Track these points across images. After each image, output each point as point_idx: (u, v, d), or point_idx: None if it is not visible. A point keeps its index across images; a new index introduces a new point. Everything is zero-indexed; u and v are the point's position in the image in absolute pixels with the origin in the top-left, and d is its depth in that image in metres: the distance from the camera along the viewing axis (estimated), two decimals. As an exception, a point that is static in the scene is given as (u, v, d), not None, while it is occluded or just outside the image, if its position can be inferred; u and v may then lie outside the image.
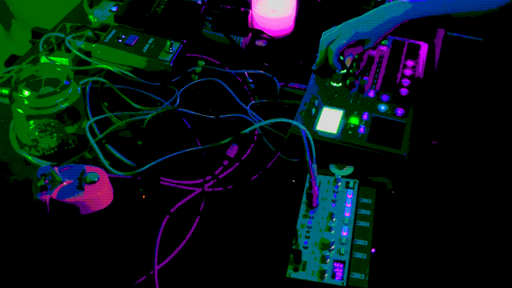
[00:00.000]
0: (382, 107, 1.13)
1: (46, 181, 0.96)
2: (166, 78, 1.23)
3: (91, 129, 1.12)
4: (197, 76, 1.25)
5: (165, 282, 0.90)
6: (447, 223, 0.99)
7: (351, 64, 1.20)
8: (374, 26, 1.13)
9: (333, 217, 0.97)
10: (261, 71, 1.26)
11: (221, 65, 1.29)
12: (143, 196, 1.02)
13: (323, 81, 1.19)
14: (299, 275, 0.90)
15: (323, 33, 1.20)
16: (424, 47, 1.29)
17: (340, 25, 1.17)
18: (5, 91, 1.17)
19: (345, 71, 1.19)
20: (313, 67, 1.21)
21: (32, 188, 0.97)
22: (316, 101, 1.14)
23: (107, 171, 1.03)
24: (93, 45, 1.24)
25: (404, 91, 1.17)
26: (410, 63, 1.24)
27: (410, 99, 1.16)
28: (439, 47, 1.34)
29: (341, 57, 1.17)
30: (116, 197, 1.00)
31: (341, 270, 0.90)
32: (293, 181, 1.04)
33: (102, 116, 1.15)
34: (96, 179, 0.97)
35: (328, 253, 0.92)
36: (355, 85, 1.18)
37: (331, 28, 1.19)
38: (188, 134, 1.14)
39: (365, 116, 1.11)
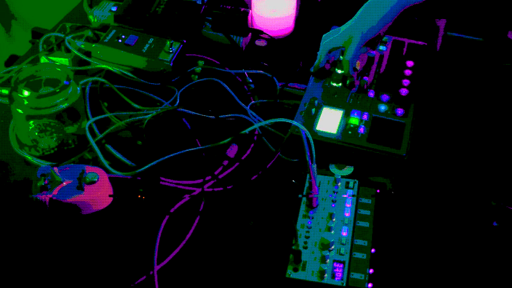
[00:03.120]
0: (382, 107, 1.13)
1: (46, 181, 0.96)
2: (166, 78, 1.23)
3: (91, 129, 1.12)
4: (197, 76, 1.25)
5: (165, 282, 0.90)
6: (447, 223, 0.99)
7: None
8: (378, 20, 1.12)
9: (333, 217, 0.97)
10: (261, 71, 1.26)
11: (221, 65, 1.29)
12: (143, 197, 1.02)
13: (323, 81, 1.19)
14: (299, 275, 0.90)
15: (323, 36, 1.19)
16: (424, 47, 1.29)
17: (342, 30, 1.15)
18: (5, 91, 1.17)
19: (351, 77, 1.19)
20: (311, 69, 1.21)
21: (32, 188, 0.97)
22: (316, 101, 1.14)
23: (107, 171, 1.03)
24: (93, 45, 1.24)
25: (404, 91, 1.17)
26: (410, 63, 1.24)
27: (410, 99, 1.16)
28: (439, 47, 1.34)
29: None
30: (116, 197, 1.00)
31: (341, 270, 0.90)
32: (293, 181, 1.04)
33: (102, 116, 1.15)
34: (96, 179, 0.97)
35: (328, 253, 0.92)
36: (355, 85, 1.18)
37: (331, 32, 1.18)
38: (188, 134, 1.14)
39: (365, 116, 1.11)
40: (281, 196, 1.02)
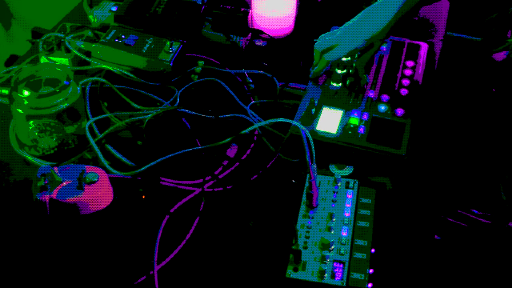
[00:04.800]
0: (382, 107, 1.13)
1: (46, 181, 0.96)
2: (166, 78, 1.23)
3: (91, 129, 1.12)
4: (197, 76, 1.25)
5: (165, 282, 0.90)
6: (447, 223, 0.99)
7: (351, 64, 1.20)
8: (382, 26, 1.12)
9: (333, 217, 0.97)
10: (261, 71, 1.26)
11: (221, 65, 1.29)
12: (143, 196, 1.02)
13: (322, 81, 1.19)
14: (299, 275, 0.90)
15: (320, 36, 1.18)
16: (424, 47, 1.29)
17: (338, 32, 1.15)
18: (5, 91, 1.17)
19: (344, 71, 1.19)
20: (310, 75, 1.20)
21: (32, 188, 0.97)
22: (316, 101, 1.14)
23: (107, 171, 1.03)
24: (93, 45, 1.24)
25: (404, 91, 1.17)
26: (410, 63, 1.24)
27: (410, 99, 1.15)
28: (439, 47, 1.34)
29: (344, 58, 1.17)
30: (116, 197, 1.00)
31: (340, 270, 0.90)
32: (293, 181, 1.04)
33: (102, 116, 1.15)
34: (96, 179, 0.97)
35: (328, 253, 0.92)
36: (355, 85, 1.18)
37: (328, 33, 1.17)
38: (188, 134, 1.14)
39: (365, 116, 1.11)
40: (281, 196, 1.02)
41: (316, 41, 1.17)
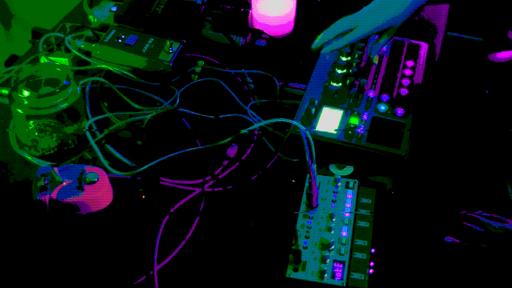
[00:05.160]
0: (382, 107, 1.13)
1: (46, 181, 0.96)
2: (166, 78, 1.23)
3: (91, 129, 1.12)
4: (197, 76, 1.25)
5: (165, 282, 0.90)
6: (447, 223, 0.99)
7: (351, 63, 1.21)
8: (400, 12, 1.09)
9: (333, 217, 0.97)
10: (261, 71, 1.26)
11: (221, 65, 1.29)
12: (143, 196, 1.02)
13: (322, 81, 1.19)
14: (299, 275, 0.90)
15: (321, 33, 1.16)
16: (424, 47, 1.29)
17: (359, 15, 1.12)
18: (5, 91, 1.17)
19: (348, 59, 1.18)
20: (313, 46, 1.16)
21: (32, 188, 0.97)
22: (316, 101, 1.14)
23: (107, 171, 1.03)
24: (93, 45, 1.24)
25: (404, 91, 1.17)
26: (410, 63, 1.24)
27: (410, 100, 1.15)
28: (439, 47, 1.34)
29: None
30: (116, 197, 1.00)
31: (340, 270, 0.90)
32: (293, 181, 1.04)
33: (102, 116, 1.15)
34: (96, 179, 0.97)
35: (328, 253, 0.92)
36: (355, 85, 1.18)
37: (347, 16, 1.14)
38: (188, 134, 1.14)
39: (365, 116, 1.12)
40: (281, 196, 1.02)
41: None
